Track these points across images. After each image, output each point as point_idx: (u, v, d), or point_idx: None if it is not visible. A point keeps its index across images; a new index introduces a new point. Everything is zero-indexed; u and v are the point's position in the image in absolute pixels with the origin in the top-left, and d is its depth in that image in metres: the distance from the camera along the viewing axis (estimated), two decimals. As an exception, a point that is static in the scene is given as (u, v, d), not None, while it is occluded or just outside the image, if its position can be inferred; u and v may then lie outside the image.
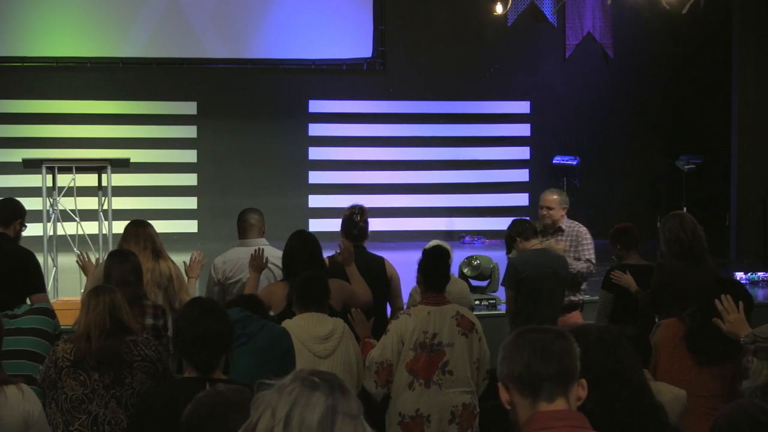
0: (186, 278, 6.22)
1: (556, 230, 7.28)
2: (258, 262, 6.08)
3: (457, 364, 5.37)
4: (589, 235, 7.33)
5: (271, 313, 5.85)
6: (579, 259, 7.17)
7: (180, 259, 6.50)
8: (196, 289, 6.43)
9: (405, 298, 6.66)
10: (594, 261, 7.26)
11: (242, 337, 4.51)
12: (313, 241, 5.96)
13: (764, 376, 3.72)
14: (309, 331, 5.06)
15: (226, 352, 3.75)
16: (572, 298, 7.14)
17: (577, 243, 7.25)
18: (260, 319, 4.73)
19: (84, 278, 6.61)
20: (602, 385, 2.97)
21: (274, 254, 6.26)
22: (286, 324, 5.09)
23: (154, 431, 3.69)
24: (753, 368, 3.78)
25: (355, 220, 6.52)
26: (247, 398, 2.79)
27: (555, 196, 7.33)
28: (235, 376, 3.88)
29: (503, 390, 2.51)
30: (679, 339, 5.02)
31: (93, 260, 6.48)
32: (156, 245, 6.05)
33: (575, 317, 7.06)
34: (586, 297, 7.81)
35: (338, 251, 6.15)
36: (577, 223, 7.42)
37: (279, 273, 6.18)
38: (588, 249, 7.25)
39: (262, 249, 6.17)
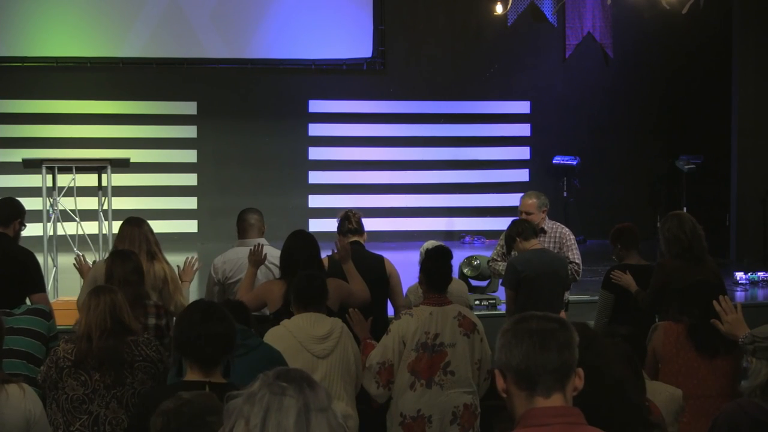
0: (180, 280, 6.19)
1: (538, 232, 7.26)
2: (257, 257, 6.09)
3: (458, 364, 5.37)
4: (572, 237, 7.33)
5: (266, 311, 5.86)
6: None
7: (179, 259, 6.49)
8: (191, 291, 6.39)
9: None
10: (580, 262, 7.24)
11: (242, 348, 4.48)
12: (311, 241, 5.97)
13: (763, 375, 3.73)
14: (307, 331, 5.05)
15: (227, 354, 3.74)
16: None
17: (561, 245, 7.24)
18: (257, 337, 4.70)
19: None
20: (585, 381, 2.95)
21: (273, 254, 6.27)
22: (285, 324, 5.09)
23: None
24: (752, 368, 3.78)
25: (349, 216, 6.58)
26: (216, 404, 2.82)
27: (533, 200, 7.32)
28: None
29: (500, 378, 2.48)
30: (682, 342, 5.03)
31: (90, 263, 6.46)
32: (150, 246, 5.98)
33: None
34: (584, 297, 7.82)
35: (335, 250, 6.16)
36: (559, 224, 7.41)
37: (278, 272, 6.18)
38: (573, 250, 7.24)
39: (261, 244, 6.19)
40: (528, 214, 7.25)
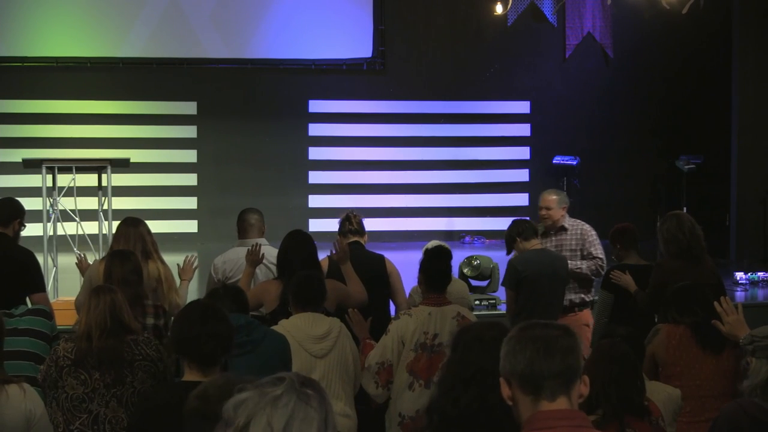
0: (177, 280, 6.19)
1: (558, 230, 7.29)
2: (254, 257, 6.10)
3: (457, 364, 5.36)
4: (594, 232, 7.34)
5: (263, 311, 5.87)
6: (587, 258, 7.19)
7: (179, 259, 6.49)
8: (189, 290, 6.40)
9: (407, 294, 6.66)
10: (603, 257, 7.25)
11: (247, 345, 4.49)
12: (308, 241, 5.98)
13: (763, 374, 3.73)
14: (305, 330, 5.06)
15: (225, 354, 3.75)
16: (583, 296, 7.17)
17: (584, 241, 7.26)
18: (260, 325, 4.72)
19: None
20: (478, 383, 2.93)
21: (272, 254, 6.28)
22: (283, 324, 5.10)
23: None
24: (752, 367, 3.79)
25: (350, 217, 6.61)
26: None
27: (553, 196, 7.33)
28: None
29: (505, 385, 2.50)
30: (685, 344, 5.04)
31: (91, 262, 6.47)
32: (146, 245, 5.98)
33: (586, 316, 7.07)
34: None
35: (333, 251, 6.16)
36: (580, 221, 7.43)
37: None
38: (596, 246, 7.25)
39: (259, 244, 6.20)
40: (548, 209, 7.28)
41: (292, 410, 2.02)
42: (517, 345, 2.48)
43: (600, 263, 7.21)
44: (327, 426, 2.04)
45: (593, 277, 7.20)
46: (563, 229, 7.29)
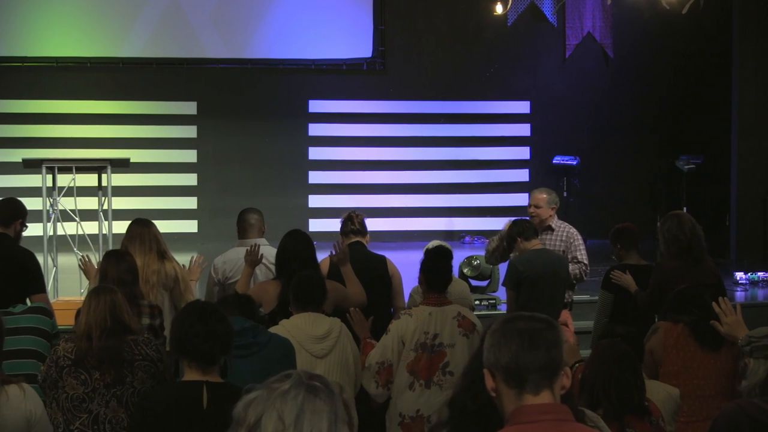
0: None
1: (545, 229, 7.27)
2: (253, 257, 6.11)
3: (457, 364, 5.37)
4: (580, 237, 7.34)
5: (261, 311, 5.88)
6: (572, 261, 7.17)
7: (180, 259, 6.50)
8: (195, 290, 6.44)
9: (406, 297, 6.67)
10: (587, 262, 7.26)
11: (254, 346, 4.50)
12: (306, 240, 5.99)
13: (761, 373, 3.74)
14: (306, 330, 5.06)
15: (225, 353, 3.75)
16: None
17: (569, 244, 7.25)
18: (265, 329, 4.73)
19: (84, 279, 6.62)
20: None
21: (272, 254, 6.28)
22: (283, 324, 5.10)
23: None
24: (750, 368, 3.80)
25: (352, 216, 6.60)
26: None
27: (543, 195, 7.33)
28: (245, 384, 3.86)
29: (489, 377, 2.50)
30: (682, 342, 5.04)
31: (95, 263, 6.48)
32: (161, 246, 6.07)
33: (564, 316, 7.07)
34: (584, 297, 7.83)
35: (333, 252, 6.16)
36: (567, 224, 7.41)
37: (276, 272, 6.20)
38: (581, 250, 7.24)
39: (258, 245, 6.21)
40: (537, 207, 7.27)
41: (302, 403, 2.03)
42: (502, 338, 2.49)
43: (584, 268, 7.21)
44: (337, 418, 2.05)
45: (574, 281, 7.20)
46: (550, 229, 7.28)
